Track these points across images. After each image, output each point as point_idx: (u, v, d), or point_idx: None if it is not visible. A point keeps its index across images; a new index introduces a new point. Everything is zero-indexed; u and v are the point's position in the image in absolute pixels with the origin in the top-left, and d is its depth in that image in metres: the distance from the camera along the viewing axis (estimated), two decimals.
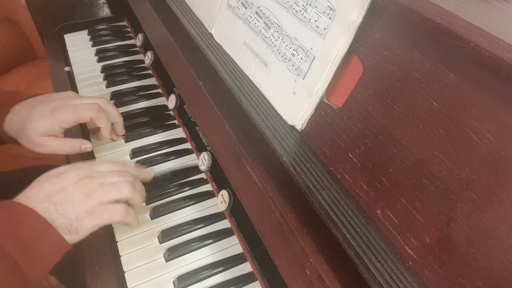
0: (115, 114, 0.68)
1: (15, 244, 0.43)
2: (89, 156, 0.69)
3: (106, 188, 0.52)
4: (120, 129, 0.71)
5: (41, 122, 0.60)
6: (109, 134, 0.67)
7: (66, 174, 0.51)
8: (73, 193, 0.50)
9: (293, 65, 0.46)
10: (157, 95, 0.82)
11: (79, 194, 0.50)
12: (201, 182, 0.65)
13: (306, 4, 0.44)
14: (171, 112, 0.77)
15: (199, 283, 0.52)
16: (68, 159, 0.68)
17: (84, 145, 0.65)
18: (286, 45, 0.47)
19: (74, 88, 0.83)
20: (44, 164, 0.81)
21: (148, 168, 0.63)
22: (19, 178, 0.64)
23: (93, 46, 0.96)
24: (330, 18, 0.41)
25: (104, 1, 1.06)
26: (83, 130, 0.73)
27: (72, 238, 0.49)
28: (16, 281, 0.43)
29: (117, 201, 0.53)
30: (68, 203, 0.49)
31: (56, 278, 1.12)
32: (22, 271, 0.43)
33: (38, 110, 0.61)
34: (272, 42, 0.49)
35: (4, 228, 0.44)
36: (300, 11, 0.45)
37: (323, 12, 0.42)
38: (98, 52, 0.93)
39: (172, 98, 0.76)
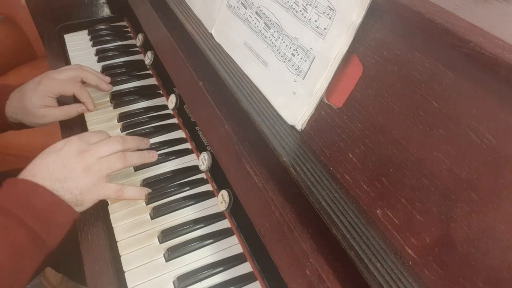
0: (93, 79, 0.77)
1: (34, 217, 0.49)
2: None
3: (102, 163, 0.56)
4: (105, 87, 0.80)
5: (33, 96, 0.69)
6: (92, 107, 0.76)
7: (64, 150, 0.56)
8: (74, 169, 0.54)
9: (293, 65, 0.46)
10: (157, 95, 0.82)
11: (79, 169, 0.54)
12: (201, 182, 0.65)
13: (306, 4, 0.44)
14: (171, 112, 0.78)
15: (199, 283, 0.52)
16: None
17: (80, 107, 0.74)
18: (286, 45, 0.47)
19: None
20: None
21: (145, 139, 0.67)
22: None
23: (93, 46, 0.96)
24: (330, 18, 0.41)
25: (104, 1, 1.06)
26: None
27: (78, 209, 0.55)
28: (38, 249, 0.49)
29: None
30: (71, 179, 0.53)
31: (63, 274, 1.15)
32: (42, 240, 0.49)
33: (28, 87, 0.70)
34: (272, 42, 0.49)
35: (21, 202, 0.49)
36: (300, 11, 0.45)
37: (323, 12, 0.42)
38: (98, 52, 0.93)
39: (172, 98, 0.76)
